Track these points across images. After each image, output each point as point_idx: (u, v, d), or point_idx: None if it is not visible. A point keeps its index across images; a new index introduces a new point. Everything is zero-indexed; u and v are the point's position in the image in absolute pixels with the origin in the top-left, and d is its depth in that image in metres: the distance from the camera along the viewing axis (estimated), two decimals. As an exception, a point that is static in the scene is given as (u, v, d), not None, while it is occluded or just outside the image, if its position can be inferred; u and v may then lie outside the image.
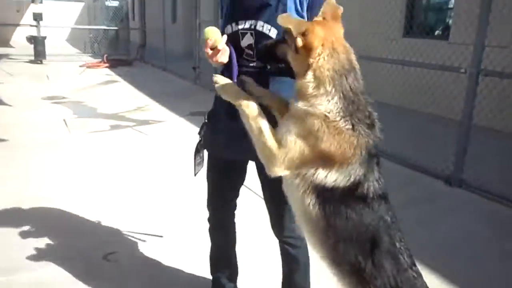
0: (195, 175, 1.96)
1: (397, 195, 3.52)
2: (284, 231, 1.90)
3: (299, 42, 1.32)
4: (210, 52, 1.60)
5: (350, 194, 1.32)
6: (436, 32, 6.62)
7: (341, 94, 1.32)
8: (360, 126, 1.33)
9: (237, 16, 1.69)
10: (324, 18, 1.41)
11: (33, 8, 12.92)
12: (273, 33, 1.64)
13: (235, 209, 2.06)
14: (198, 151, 1.93)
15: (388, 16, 6.43)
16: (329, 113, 1.31)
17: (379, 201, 1.36)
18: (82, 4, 22.78)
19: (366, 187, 1.34)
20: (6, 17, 17.43)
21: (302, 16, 1.65)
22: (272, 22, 1.63)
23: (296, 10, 1.66)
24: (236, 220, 2.09)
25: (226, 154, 1.85)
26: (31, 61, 12.30)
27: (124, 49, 15.33)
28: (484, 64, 3.61)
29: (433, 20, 7.22)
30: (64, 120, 5.92)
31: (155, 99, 7.57)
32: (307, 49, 1.33)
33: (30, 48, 12.66)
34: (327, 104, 1.31)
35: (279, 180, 1.48)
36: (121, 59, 13.31)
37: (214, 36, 1.58)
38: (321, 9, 1.44)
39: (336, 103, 1.31)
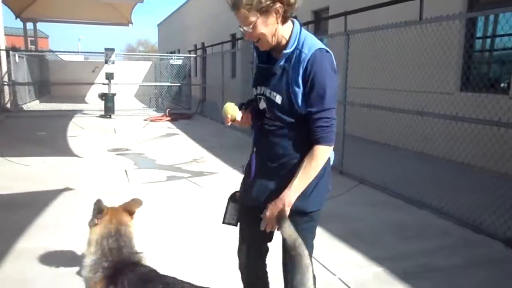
0: (223, 222, 2.08)
1: (453, 257, 3.38)
2: (294, 280, 1.92)
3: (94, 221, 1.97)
4: (230, 123, 1.94)
5: None
6: (494, 86, 6.43)
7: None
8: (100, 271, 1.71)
9: (256, 82, 1.93)
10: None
11: (106, 68, 14.19)
12: (278, 99, 1.81)
13: (264, 262, 2.11)
14: (233, 200, 2.09)
15: (443, 72, 6.39)
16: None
17: None
18: (149, 63, 24.60)
19: None
20: (83, 77, 19.25)
21: (298, 84, 1.77)
22: (277, 89, 1.82)
23: (295, 77, 1.77)
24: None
25: (252, 202, 1.96)
26: (101, 116, 13.34)
27: (185, 103, 16.20)
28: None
29: (491, 73, 7.04)
30: (125, 171, 6.30)
31: (211, 151, 7.87)
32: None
33: (101, 104, 13.77)
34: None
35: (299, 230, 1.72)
36: (182, 113, 14.06)
37: (231, 111, 1.92)
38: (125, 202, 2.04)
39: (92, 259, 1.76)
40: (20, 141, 8.54)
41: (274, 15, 1.73)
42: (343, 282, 2.97)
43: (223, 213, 2.07)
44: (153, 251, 3.47)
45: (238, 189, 2.09)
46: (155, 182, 5.72)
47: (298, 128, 1.81)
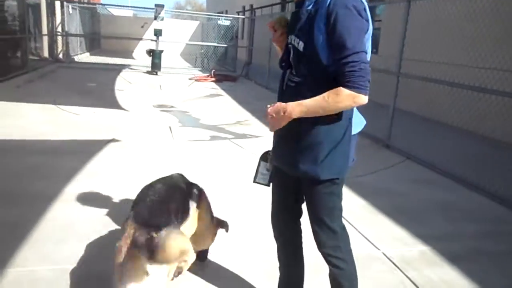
0: (254, 181, 2.06)
1: (504, 243, 3.21)
2: (323, 247, 1.89)
3: None
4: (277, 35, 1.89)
5: None
6: None
7: None
8: None
9: (289, 30, 1.86)
10: None
11: (155, 24, 14.22)
12: (301, 46, 1.71)
13: (298, 225, 2.07)
14: (264, 159, 2.05)
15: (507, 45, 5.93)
16: None
17: None
18: (197, 23, 24.49)
19: None
20: (132, 32, 19.48)
21: (320, 28, 1.63)
22: (300, 36, 1.71)
23: (318, 21, 1.64)
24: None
25: (276, 161, 1.93)
26: (148, 72, 13.50)
27: (231, 65, 16.11)
28: None
29: None
30: (170, 127, 6.37)
31: (255, 115, 7.81)
32: None
33: (148, 60, 13.91)
34: None
35: (314, 196, 1.81)
36: (227, 74, 14.00)
37: (282, 23, 1.88)
38: None
39: None
40: (71, 90, 8.79)
41: None
42: (387, 257, 2.89)
43: (255, 171, 2.05)
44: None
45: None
46: (198, 141, 5.75)
47: (318, 86, 1.65)
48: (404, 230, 3.32)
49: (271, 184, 2.05)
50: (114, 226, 3.01)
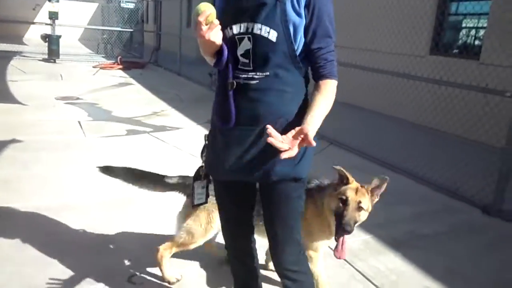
0: (193, 205, 1.80)
1: (436, 223, 3.34)
2: (284, 263, 1.71)
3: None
4: (204, 28, 1.41)
5: None
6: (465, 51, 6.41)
7: None
8: None
9: (230, 19, 1.51)
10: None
11: (49, 6, 12.83)
12: (272, 35, 1.46)
13: (252, 237, 1.87)
14: (198, 177, 1.79)
15: (416, 32, 6.27)
16: None
17: None
18: (96, 5, 22.74)
19: None
20: (21, 15, 17.43)
21: (299, 14, 1.47)
22: (271, 23, 1.46)
23: (293, 7, 1.47)
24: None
25: (226, 175, 1.65)
26: (44, 60, 12.17)
27: (138, 51, 15.22)
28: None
29: (463, 37, 7.03)
30: (79, 122, 5.75)
31: (171, 104, 7.40)
32: None
33: (43, 46, 12.53)
34: None
35: (285, 201, 1.62)
36: (135, 61, 13.19)
37: (210, 10, 1.41)
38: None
39: None
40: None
41: None
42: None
43: (191, 194, 1.79)
44: (124, 215, 3.14)
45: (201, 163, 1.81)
46: (114, 136, 5.25)
47: (289, 76, 1.51)
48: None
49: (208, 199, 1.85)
50: (24, 247, 2.55)
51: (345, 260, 2.73)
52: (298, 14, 1.46)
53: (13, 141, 4.62)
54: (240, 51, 1.51)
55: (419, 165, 4.34)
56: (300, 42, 1.49)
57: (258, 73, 1.51)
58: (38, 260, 2.47)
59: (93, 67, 11.85)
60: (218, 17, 1.45)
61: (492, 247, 3.10)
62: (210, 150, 1.70)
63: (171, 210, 3.28)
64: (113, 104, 7.14)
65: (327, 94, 1.51)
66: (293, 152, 1.32)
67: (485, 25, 6.16)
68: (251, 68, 1.51)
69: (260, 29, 1.47)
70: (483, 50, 5.88)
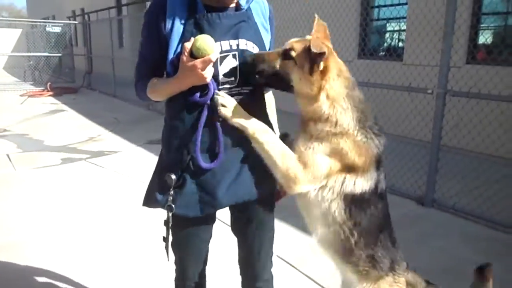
0: (169, 259, 1.54)
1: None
2: (262, 275, 1.71)
3: (321, 65, 1.34)
4: (201, 66, 1.30)
5: (374, 194, 1.47)
6: (390, 54, 6.79)
7: (355, 108, 1.41)
8: (372, 135, 1.44)
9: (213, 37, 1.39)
10: (317, 37, 1.41)
11: (-34, 35, 12.06)
12: (256, 50, 1.46)
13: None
14: (169, 227, 1.49)
15: (343, 39, 6.55)
16: (349, 129, 1.39)
17: (385, 195, 1.55)
18: (19, 31, 21.65)
19: (381, 186, 1.49)
20: None
21: (267, 30, 1.54)
22: (253, 39, 1.46)
23: (262, 24, 1.53)
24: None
25: (221, 204, 1.49)
26: (-35, 92, 11.40)
27: (68, 76, 14.64)
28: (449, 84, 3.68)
29: (387, 41, 7.44)
30: (8, 156, 5.42)
31: (108, 128, 7.17)
32: (323, 71, 1.36)
33: (-37, 78, 11.74)
34: (346, 121, 1.39)
35: (269, 213, 1.61)
36: (66, 86, 12.68)
37: (213, 47, 1.32)
38: (314, 28, 1.45)
39: (353, 118, 1.40)
40: None
41: None
42: (282, 259, 2.85)
43: (166, 247, 1.53)
44: (61, 251, 2.99)
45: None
46: (47, 167, 4.99)
47: (266, 90, 1.61)
48: (290, 226, 3.34)
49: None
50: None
51: (291, 265, 2.78)
52: (266, 30, 1.54)
53: None
54: (223, 70, 1.40)
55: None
56: None
57: (243, 88, 1.46)
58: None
59: (21, 95, 11.25)
60: (179, 42, 1.39)
61: (427, 236, 3.27)
62: (191, 186, 1.46)
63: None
64: (45, 133, 6.80)
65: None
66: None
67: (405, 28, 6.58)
68: (235, 85, 1.44)
69: (246, 44, 1.43)
70: (405, 51, 6.27)
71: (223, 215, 1.67)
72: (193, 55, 1.32)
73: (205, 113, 1.40)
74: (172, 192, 1.44)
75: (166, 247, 1.53)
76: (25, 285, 2.56)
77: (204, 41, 1.31)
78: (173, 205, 1.44)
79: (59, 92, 11.65)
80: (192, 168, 1.45)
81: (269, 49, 1.55)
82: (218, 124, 1.41)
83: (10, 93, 11.75)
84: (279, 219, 3.31)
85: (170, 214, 1.45)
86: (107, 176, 4.65)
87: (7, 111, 8.98)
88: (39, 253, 2.92)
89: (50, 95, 11.35)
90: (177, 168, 1.46)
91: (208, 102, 1.39)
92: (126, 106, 9.73)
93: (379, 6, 7.10)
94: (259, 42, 1.49)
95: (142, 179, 4.43)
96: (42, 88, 12.13)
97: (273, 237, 1.71)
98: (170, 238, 1.53)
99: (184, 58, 1.32)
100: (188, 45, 1.32)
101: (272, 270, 1.77)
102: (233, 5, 1.46)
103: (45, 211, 3.64)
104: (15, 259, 2.82)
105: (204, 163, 1.43)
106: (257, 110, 1.50)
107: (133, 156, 5.45)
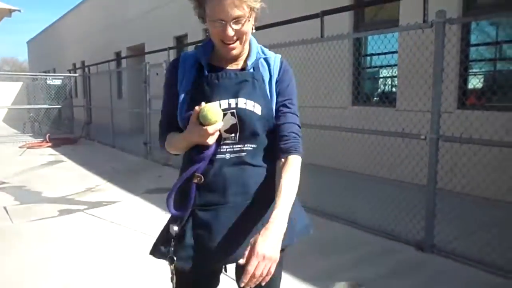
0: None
1: (376, 268, 3.45)
2: None
3: None
4: (210, 135, 1.40)
5: None
6: (383, 100, 6.98)
7: None
8: None
9: (208, 98, 1.47)
10: None
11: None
12: (258, 109, 1.49)
13: None
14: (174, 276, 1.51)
15: (336, 87, 6.75)
16: None
17: None
18: (20, 84, 22.13)
19: None
20: None
21: (272, 91, 1.55)
22: (254, 98, 1.50)
23: (268, 84, 1.55)
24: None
25: (219, 261, 1.50)
26: (-36, 144, 11.49)
27: (68, 127, 14.81)
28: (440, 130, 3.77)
29: (379, 89, 7.66)
30: (5, 208, 5.40)
31: (106, 178, 7.20)
32: None
33: (-37, 131, 11.88)
34: None
35: (278, 268, 1.43)
36: (65, 137, 12.81)
37: (220, 116, 1.41)
38: None
39: None
40: None
41: (254, 16, 1.48)
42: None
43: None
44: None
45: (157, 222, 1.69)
46: (45, 219, 4.97)
47: (270, 148, 1.54)
48: (288, 275, 3.31)
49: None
50: None
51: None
52: (271, 91, 1.54)
53: None
54: (224, 127, 1.46)
55: (351, 210, 4.52)
56: (274, 116, 1.54)
57: (246, 145, 1.50)
58: None
59: (20, 147, 11.34)
60: (188, 99, 1.50)
61: (430, 285, 3.24)
62: (190, 239, 1.48)
63: None
64: (43, 184, 6.81)
65: (295, 171, 1.48)
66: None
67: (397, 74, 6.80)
68: (237, 141, 1.49)
69: (245, 103, 1.48)
70: (398, 98, 6.45)
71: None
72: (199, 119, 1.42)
73: (195, 167, 1.46)
74: (173, 244, 1.47)
75: None
76: None
77: (209, 111, 1.39)
78: (175, 257, 1.46)
79: (58, 143, 11.76)
80: (191, 220, 1.48)
81: (274, 108, 1.56)
82: (194, 185, 1.47)
83: (9, 145, 11.84)
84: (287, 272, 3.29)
85: (172, 266, 1.47)
86: (106, 227, 4.63)
87: (5, 162, 9.02)
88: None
89: (49, 146, 11.45)
90: (181, 219, 1.49)
91: (205, 158, 1.46)
92: (124, 155, 9.81)
93: (371, 55, 7.37)
94: (263, 100, 1.52)
95: (141, 230, 4.41)
96: (41, 139, 12.25)
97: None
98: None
99: (193, 120, 1.42)
100: (197, 109, 1.41)
101: None
102: (240, 65, 1.55)
103: (41, 265, 3.60)
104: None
105: (172, 209, 1.48)
106: (261, 169, 1.52)
107: (132, 207, 5.45)
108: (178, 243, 1.47)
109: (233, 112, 1.47)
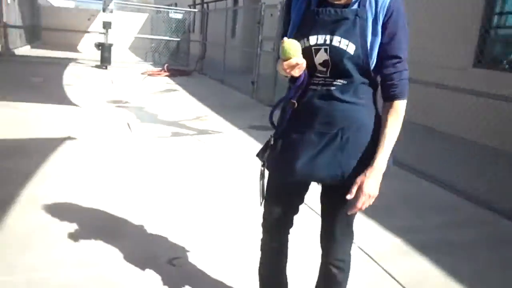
0: (261, 204, 1.81)
1: (465, 232, 3.37)
2: (337, 253, 1.79)
3: None
4: (286, 67, 1.51)
5: None
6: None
7: None
8: None
9: (308, 31, 1.58)
10: None
11: (104, 17, 13.64)
12: (351, 48, 1.53)
13: (291, 227, 1.91)
14: (263, 176, 1.79)
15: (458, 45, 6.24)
16: None
17: None
18: (146, 15, 23.79)
19: None
20: (77, 24, 18.62)
21: (376, 31, 1.55)
22: (350, 37, 1.54)
23: (372, 24, 1.55)
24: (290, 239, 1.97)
25: (296, 176, 1.65)
26: (97, 66, 12.94)
27: (183, 60, 15.80)
28: None
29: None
30: (128, 124, 6.14)
31: (214, 110, 7.71)
32: None
33: (96, 54, 13.34)
34: None
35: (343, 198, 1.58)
36: (180, 69, 13.73)
37: (297, 52, 1.50)
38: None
39: None
40: (15, 86, 8.24)
41: None
42: (363, 251, 2.93)
43: (260, 193, 1.79)
44: (163, 209, 3.40)
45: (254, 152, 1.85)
46: (160, 138, 5.58)
47: (363, 87, 1.60)
48: (375, 223, 3.40)
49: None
50: (76, 232, 2.85)
51: (372, 258, 2.85)
52: (376, 32, 1.55)
53: (68, 138, 5.04)
54: (318, 60, 1.58)
55: (453, 175, 4.35)
56: (374, 58, 1.57)
57: (336, 80, 1.59)
58: (88, 239, 2.75)
59: (142, 73, 12.46)
60: (295, 29, 1.64)
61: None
62: (278, 151, 1.70)
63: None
64: (159, 108, 7.54)
65: (399, 116, 1.61)
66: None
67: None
68: (328, 76, 1.59)
69: (339, 41, 1.54)
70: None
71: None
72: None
73: (290, 94, 1.66)
74: (268, 152, 1.73)
75: (261, 194, 1.80)
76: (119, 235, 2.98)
77: (285, 47, 1.50)
78: (265, 162, 1.74)
79: (174, 73, 12.68)
80: (283, 138, 1.70)
81: (375, 51, 1.56)
82: (290, 109, 1.66)
83: (133, 70, 13.06)
84: (367, 216, 3.40)
85: (263, 168, 1.75)
86: (209, 152, 5.07)
87: (130, 86, 10.06)
88: (140, 206, 3.36)
89: (166, 76, 12.41)
90: (275, 132, 1.72)
91: (295, 87, 1.62)
92: (231, 91, 10.29)
93: (506, 13, 6.59)
94: (361, 42, 1.54)
95: (240, 159, 4.76)
96: (160, 68, 13.29)
97: (351, 220, 1.76)
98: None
99: (282, 65, 1.54)
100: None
101: (351, 260, 1.85)
102: (343, 0, 1.57)
103: (154, 175, 4.13)
104: (118, 210, 3.28)
105: (272, 120, 1.75)
106: (348, 105, 1.59)
107: (234, 138, 5.83)
108: (270, 152, 1.72)
109: (326, 48, 1.56)
